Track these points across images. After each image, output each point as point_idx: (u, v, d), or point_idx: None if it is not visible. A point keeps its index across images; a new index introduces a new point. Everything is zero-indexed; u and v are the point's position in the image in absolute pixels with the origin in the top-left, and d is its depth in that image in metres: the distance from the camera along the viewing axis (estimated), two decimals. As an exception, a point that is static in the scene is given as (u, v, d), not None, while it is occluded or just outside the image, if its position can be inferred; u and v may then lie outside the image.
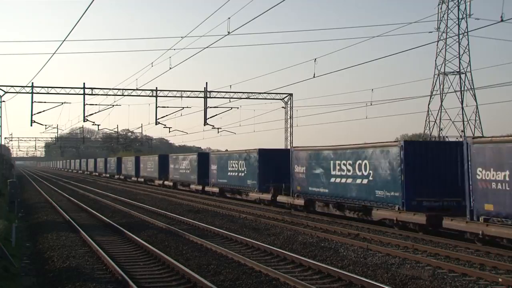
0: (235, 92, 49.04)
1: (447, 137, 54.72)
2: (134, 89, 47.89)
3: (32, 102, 46.60)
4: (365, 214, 23.55)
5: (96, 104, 48.38)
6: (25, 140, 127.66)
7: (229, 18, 25.07)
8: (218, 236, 20.53)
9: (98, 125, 51.84)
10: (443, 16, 55.99)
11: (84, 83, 48.32)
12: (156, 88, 48.42)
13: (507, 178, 16.66)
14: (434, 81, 57.24)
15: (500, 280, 13.05)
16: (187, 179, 48.91)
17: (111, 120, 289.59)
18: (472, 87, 56.38)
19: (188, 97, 49.73)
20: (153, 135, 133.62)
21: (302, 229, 22.05)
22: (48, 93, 47.37)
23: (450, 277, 13.61)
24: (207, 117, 47.42)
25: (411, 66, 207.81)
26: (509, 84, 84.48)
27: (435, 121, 57.34)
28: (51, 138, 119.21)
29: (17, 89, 46.86)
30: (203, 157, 45.81)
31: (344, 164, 24.74)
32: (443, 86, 56.88)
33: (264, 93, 50.64)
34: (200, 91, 48.92)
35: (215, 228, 21.82)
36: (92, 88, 48.47)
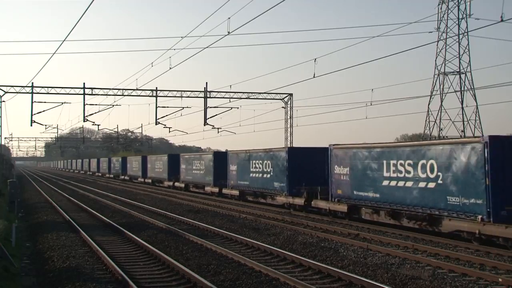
0: (235, 92, 49.04)
1: (447, 137, 54.68)
2: (134, 89, 47.88)
3: (32, 102, 46.57)
4: (431, 224, 19.94)
5: (96, 104, 48.37)
6: (25, 140, 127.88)
7: (229, 18, 25.11)
8: (218, 236, 20.53)
9: (98, 125, 51.81)
10: (443, 16, 56.05)
11: (84, 83, 48.31)
12: (156, 88, 48.42)
13: None
14: (434, 81, 57.33)
15: (500, 280, 13.05)
16: (202, 180, 45.23)
17: (111, 120, 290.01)
18: (472, 87, 56.45)
19: (188, 97, 49.73)
20: (153, 135, 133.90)
21: (302, 229, 22.04)
22: (48, 93, 47.33)
23: (450, 277, 13.61)
24: (207, 117, 47.39)
25: (411, 66, 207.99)
26: (509, 84, 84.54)
27: (435, 121, 57.39)
28: (51, 138, 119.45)
29: (17, 89, 46.85)
30: (220, 156, 41.92)
31: (402, 165, 21.04)
32: (443, 86, 56.95)
33: (264, 93, 50.64)
34: (200, 91, 48.92)
35: (215, 228, 21.82)
36: (92, 88, 48.45)
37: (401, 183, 21.15)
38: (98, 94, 48.93)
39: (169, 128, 54.29)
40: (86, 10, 17.66)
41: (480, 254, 16.62)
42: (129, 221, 25.31)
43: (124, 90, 48.72)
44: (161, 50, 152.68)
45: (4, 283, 12.93)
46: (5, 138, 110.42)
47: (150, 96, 48.61)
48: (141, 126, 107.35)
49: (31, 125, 47.42)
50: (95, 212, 28.92)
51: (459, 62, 56.38)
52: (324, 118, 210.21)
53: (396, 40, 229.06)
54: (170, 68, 35.99)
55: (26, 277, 14.11)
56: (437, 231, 19.74)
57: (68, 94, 48.00)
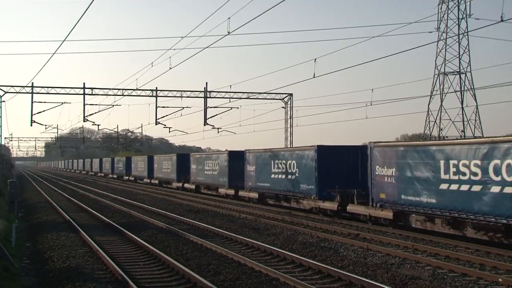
0: (235, 92, 49.09)
1: (447, 137, 54.70)
2: (134, 89, 47.93)
3: (32, 102, 46.62)
4: (507, 236, 17.12)
5: (96, 104, 48.42)
6: (25, 140, 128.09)
7: (229, 18, 25.11)
8: (218, 236, 20.53)
9: (98, 125, 51.86)
10: (443, 16, 56.04)
11: (84, 83, 48.38)
12: (156, 88, 48.48)
13: None
14: (434, 81, 57.32)
15: (500, 280, 13.05)
16: (215, 182, 42.00)
17: (111, 120, 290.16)
18: (472, 87, 56.45)
19: (188, 97, 49.78)
20: (153, 135, 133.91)
21: (302, 229, 22.04)
22: (48, 93, 47.39)
23: (450, 277, 13.61)
24: (207, 117, 47.41)
25: (411, 66, 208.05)
26: (509, 84, 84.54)
27: (435, 121, 57.39)
28: (51, 138, 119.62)
29: (17, 89, 46.88)
30: (236, 156, 38.41)
31: (466, 165, 18.04)
32: (443, 86, 56.95)
33: (264, 93, 50.69)
34: (200, 91, 48.96)
35: (215, 228, 21.82)
36: (92, 88, 48.49)
37: (465, 187, 18.09)
38: (98, 94, 49.00)
39: (169, 128, 54.38)
40: (86, 10, 17.67)
41: (480, 254, 16.61)
42: (129, 221, 25.31)
43: (124, 90, 48.76)
44: (161, 50, 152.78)
45: (4, 283, 12.93)
46: (5, 138, 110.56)
47: (150, 96, 48.67)
48: (141, 126, 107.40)
49: (31, 125, 47.53)
50: (95, 212, 28.92)
51: (459, 62, 56.40)
52: (324, 118, 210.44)
53: (396, 40, 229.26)
54: (170, 68, 36.04)
55: (26, 277, 14.11)
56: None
57: (68, 94, 48.08)
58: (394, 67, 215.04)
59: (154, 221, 24.95)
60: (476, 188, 17.67)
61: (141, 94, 48.52)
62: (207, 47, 32.48)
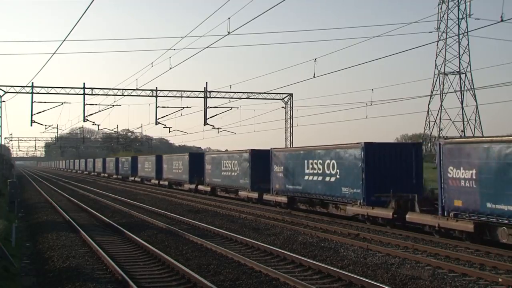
0: (235, 92, 49.07)
1: (447, 136, 54.73)
2: (134, 89, 47.91)
3: (32, 102, 46.62)
4: None
5: (96, 104, 48.42)
6: (25, 140, 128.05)
7: (229, 18, 25.11)
8: (218, 236, 20.53)
9: (98, 125, 51.87)
10: (443, 16, 56.15)
11: (84, 83, 48.36)
12: (156, 88, 48.46)
13: None
14: (434, 81, 57.50)
15: (500, 280, 13.05)
16: (234, 183, 38.26)
17: (111, 120, 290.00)
18: (472, 87, 56.58)
19: (188, 97, 49.77)
20: (153, 135, 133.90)
21: (302, 229, 22.04)
22: (48, 93, 47.37)
23: (450, 277, 13.61)
24: (207, 117, 47.41)
25: (411, 66, 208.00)
26: (509, 84, 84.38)
27: (435, 121, 57.54)
28: (51, 138, 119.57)
29: (17, 89, 46.87)
30: (260, 156, 35.25)
31: None
32: (443, 86, 57.08)
33: (264, 93, 50.67)
34: (200, 91, 48.95)
35: (215, 228, 21.82)
36: (92, 88, 48.48)
37: None
38: (98, 94, 48.99)
39: (169, 128, 54.33)
40: (86, 10, 17.67)
41: (480, 254, 16.61)
42: (129, 221, 25.31)
43: (124, 90, 48.76)
44: (161, 50, 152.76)
45: (4, 283, 12.93)
46: (5, 138, 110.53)
47: (150, 96, 48.66)
48: (141, 126, 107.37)
49: (31, 125, 47.53)
50: (95, 212, 28.92)
51: (459, 62, 56.59)
52: (324, 118, 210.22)
53: (396, 40, 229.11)
54: (170, 68, 36.03)
55: (26, 277, 14.11)
56: None
57: (68, 94, 48.06)
58: (394, 67, 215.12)
59: (154, 221, 24.95)
60: None
61: (141, 94, 48.53)
62: (207, 47, 32.50)
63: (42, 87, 47.03)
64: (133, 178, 71.24)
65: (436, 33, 55.85)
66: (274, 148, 32.68)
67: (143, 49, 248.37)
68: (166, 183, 55.95)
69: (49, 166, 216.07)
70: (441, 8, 56.09)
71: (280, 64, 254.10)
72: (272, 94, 51.10)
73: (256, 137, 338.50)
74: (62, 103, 48.61)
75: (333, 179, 25.83)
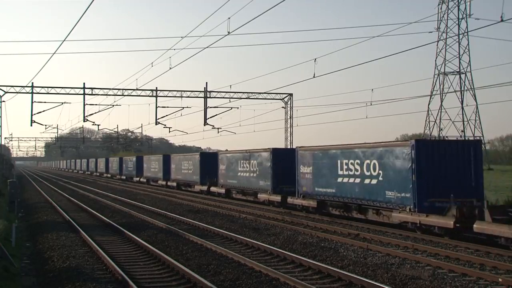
0: (235, 92, 49.12)
1: (447, 136, 54.74)
2: (134, 89, 47.98)
3: (32, 102, 46.69)
4: None
5: (96, 104, 48.54)
6: (25, 140, 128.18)
7: (229, 18, 25.12)
8: (218, 236, 20.53)
9: (98, 125, 51.99)
10: (443, 16, 56.14)
11: (84, 83, 48.44)
12: (156, 88, 48.54)
13: None
14: (434, 81, 57.49)
15: (500, 280, 13.05)
16: (252, 186, 35.26)
17: (111, 120, 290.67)
18: (472, 87, 56.57)
19: (188, 97, 49.83)
20: (153, 135, 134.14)
21: (302, 229, 22.04)
22: (48, 93, 47.43)
23: (450, 277, 13.61)
24: (207, 117, 47.46)
25: (411, 66, 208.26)
26: (509, 84, 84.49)
27: (435, 121, 57.53)
28: (51, 138, 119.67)
29: (17, 89, 46.91)
30: (282, 155, 32.85)
31: None
32: (443, 86, 57.07)
33: (264, 93, 50.74)
34: (200, 91, 48.99)
35: (215, 228, 21.81)
36: (92, 88, 48.53)
37: None
38: (98, 94, 49.05)
39: (169, 128, 54.43)
40: (86, 10, 17.67)
41: (480, 254, 16.61)
42: (129, 221, 25.31)
43: (124, 90, 48.80)
44: (161, 50, 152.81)
45: (4, 283, 12.93)
46: (5, 138, 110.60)
47: (150, 96, 48.71)
48: (141, 126, 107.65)
49: (31, 125, 47.64)
50: (95, 212, 28.92)
51: (459, 62, 56.57)
52: (324, 118, 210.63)
53: (396, 40, 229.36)
54: (170, 68, 36.07)
55: (26, 277, 14.11)
56: None
57: (68, 94, 48.11)
58: (394, 67, 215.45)
59: (154, 221, 24.94)
60: None
61: (141, 94, 48.57)
62: (207, 47, 32.49)
63: (42, 87, 47.10)
64: (138, 178, 68.42)
65: (436, 33, 55.94)
66: (300, 147, 29.59)
67: (143, 49, 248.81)
68: (175, 184, 53.00)
69: (50, 166, 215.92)
70: (441, 8, 56.15)
71: (280, 64, 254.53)
72: (272, 94, 51.13)
73: (256, 137, 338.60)
74: (62, 103, 48.74)
75: (374, 181, 22.78)
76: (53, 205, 34.31)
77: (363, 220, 23.93)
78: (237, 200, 37.49)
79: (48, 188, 56.05)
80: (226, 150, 39.69)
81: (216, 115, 48.05)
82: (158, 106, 48.11)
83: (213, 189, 41.87)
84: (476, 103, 56.56)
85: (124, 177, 76.81)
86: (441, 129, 56.61)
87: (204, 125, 47.89)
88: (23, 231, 22.35)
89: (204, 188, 43.58)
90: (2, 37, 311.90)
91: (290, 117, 51.64)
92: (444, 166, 20.89)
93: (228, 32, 24.76)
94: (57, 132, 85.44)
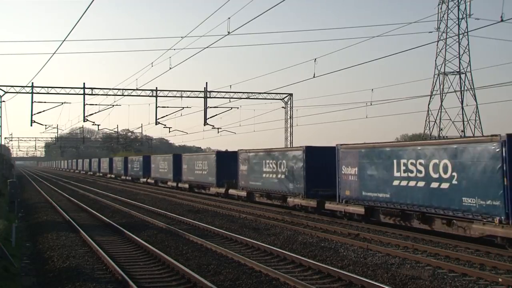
0: (235, 92, 49.12)
1: (447, 136, 54.74)
2: (134, 89, 47.97)
3: (32, 102, 46.64)
4: None
5: (96, 104, 48.48)
6: (25, 140, 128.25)
7: (229, 18, 25.12)
8: (218, 236, 20.53)
9: (98, 125, 51.92)
10: (443, 16, 56.08)
11: (84, 83, 48.42)
12: (156, 88, 48.51)
13: None
14: (434, 81, 57.39)
15: (500, 280, 13.05)
16: (280, 188, 31.39)
17: (111, 120, 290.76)
18: (472, 87, 56.50)
19: (188, 97, 49.82)
20: (153, 135, 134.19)
21: (302, 229, 22.04)
22: (48, 93, 47.42)
23: (450, 277, 13.61)
24: (207, 117, 47.43)
25: (411, 66, 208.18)
26: (509, 84, 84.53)
27: (435, 121, 57.45)
28: (51, 138, 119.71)
29: (17, 89, 46.89)
30: (317, 154, 28.88)
31: None
32: (443, 86, 57.00)
33: (264, 93, 50.73)
34: (200, 91, 48.99)
35: (215, 228, 21.82)
36: (92, 88, 48.51)
37: None
38: (98, 94, 49.03)
39: (169, 128, 54.44)
40: (86, 10, 17.66)
41: (480, 254, 16.61)
42: (129, 221, 25.31)
43: (124, 90, 48.79)
44: (161, 50, 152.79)
45: (4, 283, 12.93)
46: (5, 138, 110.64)
47: (150, 96, 48.70)
48: (141, 126, 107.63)
49: (31, 125, 47.58)
50: (95, 212, 28.92)
51: (459, 62, 56.48)
52: (324, 118, 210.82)
53: (396, 40, 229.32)
54: (170, 68, 36.07)
55: (26, 277, 14.11)
56: None
57: (68, 94, 48.10)
58: (394, 67, 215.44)
59: (154, 221, 24.95)
60: None
61: (141, 94, 48.56)
62: (207, 47, 32.49)
63: (42, 87, 47.08)
64: (145, 179, 64.83)
65: (436, 33, 55.86)
66: (342, 144, 25.58)
67: (143, 49, 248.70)
68: (187, 185, 49.12)
69: (50, 166, 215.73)
70: (441, 8, 56.10)
71: (280, 64, 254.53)
72: (272, 94, 51.13)
73: (256, 137, 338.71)
74: (62, 103, 48.68)
75: (445, 185, 19.10)
76: (53, 205, 34.31)
77: (427, 231, 20.33)
78: (261, 204, 33.96)
79: (48, 188, 56.05)
80: (249, 149, 36.13)
81: (216, 115, 48.06)
82: (158, 106, 48.11)
83: (232, 191, 38.18)
84: (476, 103, 56.59)
85: (129, 178, 73.61)
86: (441, 129, 56.61)
87: (204, 125, 47.87)
88: (23, 231, 22.35)
89: (221, 190, 39.93)
90: (2, 37, 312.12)
91: (290, 117, 51.65)
92: None
93: (228, 32, 24.77)
94: (57, 132, 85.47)
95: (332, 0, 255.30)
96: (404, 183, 21.09)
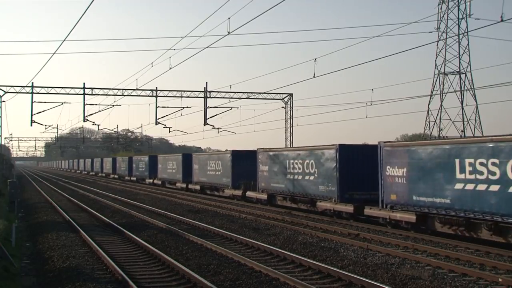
0: (235, 92, 49.10)
1: (447, 137, 54.75)
2: (134, 89, 47.97)
3: (32, 102, 46.66)
4: None
5: (96, 104, 48.52)
6: (25, 140, 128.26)
7: (229, 18, 25.13)
8: (218, 236, 20.53)
9: (98, 125, 51.95)
10: (443, 16, 56.06)
11: (84, 83, 48.41)
12: (156, 88, 48.51)
13: None
14: (434, 81, 57.36)
15: (500, 280, 13.05)
16: (307, 191, 28.22)
17: (111, 120, 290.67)
18: (472, 87, 56.48)
19: (188, 97, 49.82)
20: (153, 135, 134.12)
21: (302, 229, 22.04)
22: (48, 93, 47.42)
23: (450, 277, 13.61)
24: (207, 117, 47.44)
25: (411, 66, 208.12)
26: (509, 84, 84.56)
27: (435, 121, 57.43)
28: (51, 138, 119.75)
29: (17, 89, 46.89)
30: (353, 153, 26.00)
31: None
32: (443, 86, 56.98)
33: (264, 93, 50.71)
34: (200, 91, 48.98)
35: (215, 228, 21.82)
36: (92, 88, 48.51)
37: None
38: (98, 94, 49.03)
39: (169, 128, 54.43)
40: (86, 10, 17.67)
41: (480, 254, 16.61)
42: (129, 221, 25.31)
43: (124, 90, 48.79)
44: (161, 50, 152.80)
45: (4, 283, 12.93)
46: (5, 138, 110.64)
47: (150, 96, 48.70)
48: (141, 126, 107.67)
49: (31, 125, 47.61)
50: (95, 212, 28.92)
51: (459, 62, 56.44)
52: (324, 118, 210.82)
53: (396, 40, 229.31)
54: (170, 68, 36.09)
55: (26, 277, 14.11)
56: None
57: (68, 94, 48.10)
58: (394, 67, 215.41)
59: (154, 221, 24.95)
60: None
61: (141, 94, 48.56)
62: (207, 47, 32.51)
63: (42, 87, 47.08)
64: (151, 180, 62.22)
65: (436, 33, 55.83)
66: (386, 142, 22.54)
67: (143, 49, 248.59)
68: (198, 187, 46.29)
69: (50, 166, 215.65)
70: (441, 8, 56.06)
71: (280, 64, 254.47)
72: (272, 94, 51.12)
73: (256, 137, 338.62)
74: (62, 103, 48.72)
75: None
76: (53, 205, 34.31)
77: (502, 244, 17.35)
78: (283, 208, 30.85)
79: (48, 188, 56.05)
80: (270, 148, 33.44)
81: (216, 115, 48.07)
82: (158, 106, 48.12)
83: (250, 194, 35.22)
84: (476, 103, 56.57)
85: (134, 179, 70.99)
86: (441, 129, 56.59)
87: (204, 125, 47.90)
88: (23, 231, 22.35)
89: (238, 193, 37.06)
90: (2, 37, 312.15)
91: (290, 117, 51.64)
92: None
93: (228, 32, 24.78)
94: (57, 132, 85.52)
95: (332, 0, 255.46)
96: (470, 186, 18.03)
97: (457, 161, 18.58)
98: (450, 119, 57.05)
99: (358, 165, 25.21)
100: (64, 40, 28.43)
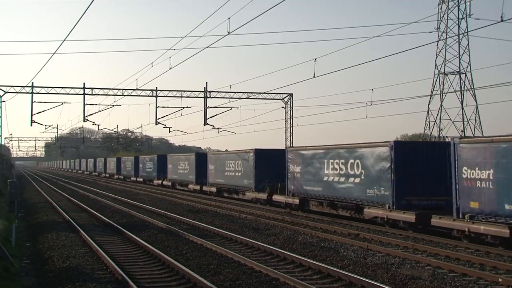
0: (235, 92, 49.06)
1: (447, 137, 54.76)
2: (134, 89, 47.92)
3: (32, 102, 46.61)
4: None
5: (96, 104, 48.45)
6: (25, 140, 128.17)
7: (229, 18, 25.12)
8: (218, 236, 20.53)
9: (98, 125, 51.88)
10: (443, 16, 56.05)
11: (84, 83, 48.34)
12: (156, 88, 48.46)
13: None
14: (434, 81, 57.35)
15: (500, 280, 13.05)
16: (350, 195, 24.69)
17: (111, 120, 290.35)
18: (472, 87, 56.47)
19: (188, 97, 49.77)
20: (153, 135, 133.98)
21: (302, 229, 22.04)
22: (48, 93, 47.37)
23: (450, 277, 13.61)
24: (207, 117, 47.41)
25: (411, 66, 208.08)
26: (509, 84, 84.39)
27: (435, 121, 57.41)
28: (51, 138, 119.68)
29: (17, 89, 46.86)
30: (409, 152, 22.46)
31: None
32: (443, 86, 56.96)
33: (264, 93, 50.65)
34: (200, 91, 48.95)
35: (215, 228, 21.82)
36: (92, 88, 48.48)
37: None
38: (98, 94, 48.98)
39: (169, 128, 54.33)
40: (86, 10, 17.67)
41: (480, 254, 16.61)
42: (129, 221, 25.31)
43: (124, 90, 48.75)
44: (161, 50, 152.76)
45: (4, 283, 12.93)
46: (5, 138, 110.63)
47: (150, 96, 48.66)
48: (141, 126, 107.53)
49: (31, 125, 47.53)
50: (95, 212, 28.92)
51: (459, 62, 56.42)
52: (324, 118, 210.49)
53: (396, 40, 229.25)
54: (170, 68, 36.06)
55: (26, 277, 14.12)
56: None
57: (68, 94, 48.04)
58: (394, 67, 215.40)
59: (154, 221, 24.95)
60: None
61: (141, 94, 48.52)
62: (207, 47, 32.48)
63: (42, 87, 47.03)
64: (159, 181, 58.72)
65: (436, 33, 55.81)
66: (462, 138, 19.56)
67: (143, 49, 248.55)
68: (214, 189, 42.57)
69: (50, 166, 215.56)
70: (441, 8, 56.04)
71: (280, 64, 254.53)
72: (272, 94, 51.09)
73: (256, 137, 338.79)
74: (62, 103, 48.66)
75: None
76: (53, 205, 34.31)
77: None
78: (319, 214, 27.45)
79: (48, 188, 56.05)
80: (303, 146, 30.13)
81: (216, 115, 48.03)
82: (158, 106, 48.07)
83: (277, 198, 31.66)
84: (476, 103, 56.55)
85: (141, 180, 67.81)
86: (441, 129, 56.58)
87: (204, 125, 47.84)
88: (23, 231, 22.35)
89: (262, 196, 33.62)
90: (2, 37, 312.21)
91: (290, 117, 51.62)
92: None
93: (228, 32, 24.77)
94: (57, 132, 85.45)
95: (332, 0, 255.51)
96: None
97: None
98: (450, 119, 57.04)
99: (417, 165, 21.91)
100: (64, 40, 28.43)
